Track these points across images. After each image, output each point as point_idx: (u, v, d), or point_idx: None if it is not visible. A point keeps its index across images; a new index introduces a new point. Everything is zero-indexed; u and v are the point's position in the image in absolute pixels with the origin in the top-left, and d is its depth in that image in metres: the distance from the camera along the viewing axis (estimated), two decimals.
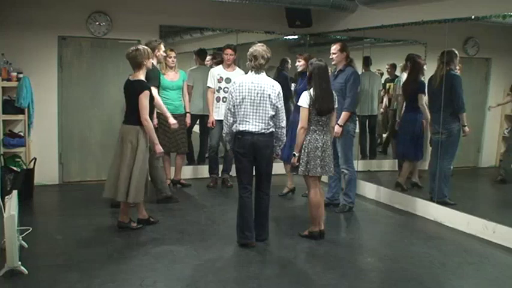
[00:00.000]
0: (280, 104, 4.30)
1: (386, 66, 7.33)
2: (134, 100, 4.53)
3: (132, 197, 4.55)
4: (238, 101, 4.23)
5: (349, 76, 5.38)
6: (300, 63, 5.91)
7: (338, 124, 5.30)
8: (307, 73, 4.67)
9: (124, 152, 4.55)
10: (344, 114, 5.35)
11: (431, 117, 5.80)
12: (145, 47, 4.66)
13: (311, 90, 4.45)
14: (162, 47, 5.56)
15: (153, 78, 5.31)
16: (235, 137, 4.31)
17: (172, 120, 5.44)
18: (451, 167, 5.56)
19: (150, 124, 4.55)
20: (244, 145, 4.27)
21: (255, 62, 4.27)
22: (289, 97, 7.32)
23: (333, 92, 4.60)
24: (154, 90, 5.29)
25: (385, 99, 7.43)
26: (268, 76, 4.41)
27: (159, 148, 4.68)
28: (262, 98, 4.22)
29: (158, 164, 5.61)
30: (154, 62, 5.56)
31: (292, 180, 6.23)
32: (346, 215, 5.51)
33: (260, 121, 4.22)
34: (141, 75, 4.61)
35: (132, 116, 4.56)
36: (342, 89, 5.35)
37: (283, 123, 4.35)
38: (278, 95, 4.29)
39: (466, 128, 5.48)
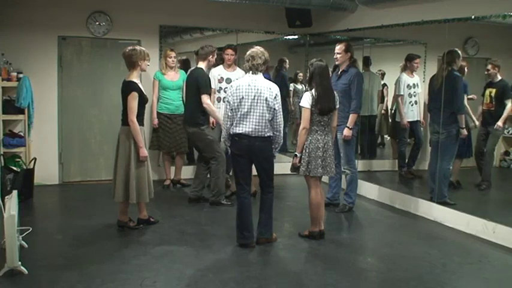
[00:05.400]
0: (278, 107, 4.26)
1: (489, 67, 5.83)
2: (125, 101, 4.53)
3: (134, 197, 4.55)
4: (236, 104, 4.22)
5: (353, 77, 5.34)
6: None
7: (347, 127, 5.30)
8: (308, 74, 4.66)
9: (120, 152, 4.56)
10: (352, 116, 5.33)
11: (431, 117, 5.80)
12: (143, 48, 4.62)
13: (312, 90, 4.45)
14: (216, 54, 5.61)
15: (204, 85, 5.38)
16: (232, 139, 4.31)
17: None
18: (450, 167, 5.56)
19: (135, 125, 4.49)
20: (240, 147, 4.27)
21: (252, 62, 4.25)
22: (287, 96, 7.49)
23: (334, 92, 4.60)
24: (205, 98, 5.37)
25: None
26: (266, 77, 4.40)
27: (143, 151, 4.55)
28: (259, 101, 4.20)
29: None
30: (203, 66, 5.54)
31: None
32: (346, 215, 5.51)
33: (257, 124, 4.20)
34: (134, 76, 4.57)
35: (125, 116, 4.55)
36: (345, 90, 5.31)
37: (281, 127, 4.31)
38: (275, 97, 4.25)
39: (464, 131, 5.44)
